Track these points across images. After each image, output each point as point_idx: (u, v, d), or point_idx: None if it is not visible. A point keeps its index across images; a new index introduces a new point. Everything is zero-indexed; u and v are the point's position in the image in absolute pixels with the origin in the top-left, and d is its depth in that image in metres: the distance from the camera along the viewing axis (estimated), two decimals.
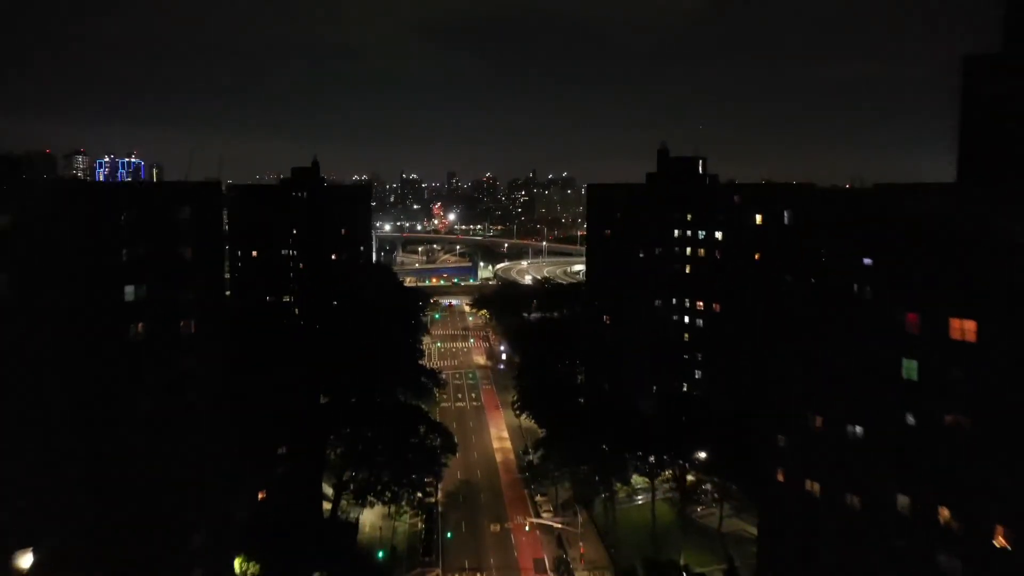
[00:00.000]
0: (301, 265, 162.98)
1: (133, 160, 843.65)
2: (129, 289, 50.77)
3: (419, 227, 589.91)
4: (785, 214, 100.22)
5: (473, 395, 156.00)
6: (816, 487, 58.57)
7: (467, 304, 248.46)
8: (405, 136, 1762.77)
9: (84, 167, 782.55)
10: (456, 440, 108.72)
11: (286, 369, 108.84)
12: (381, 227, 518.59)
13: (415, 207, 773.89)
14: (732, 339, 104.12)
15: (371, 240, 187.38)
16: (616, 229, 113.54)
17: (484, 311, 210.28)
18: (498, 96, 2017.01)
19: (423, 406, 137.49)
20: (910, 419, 51.23)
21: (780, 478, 62.39)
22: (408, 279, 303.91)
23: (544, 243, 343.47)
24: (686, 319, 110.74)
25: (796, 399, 66.47)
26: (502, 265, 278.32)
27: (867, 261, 56.17)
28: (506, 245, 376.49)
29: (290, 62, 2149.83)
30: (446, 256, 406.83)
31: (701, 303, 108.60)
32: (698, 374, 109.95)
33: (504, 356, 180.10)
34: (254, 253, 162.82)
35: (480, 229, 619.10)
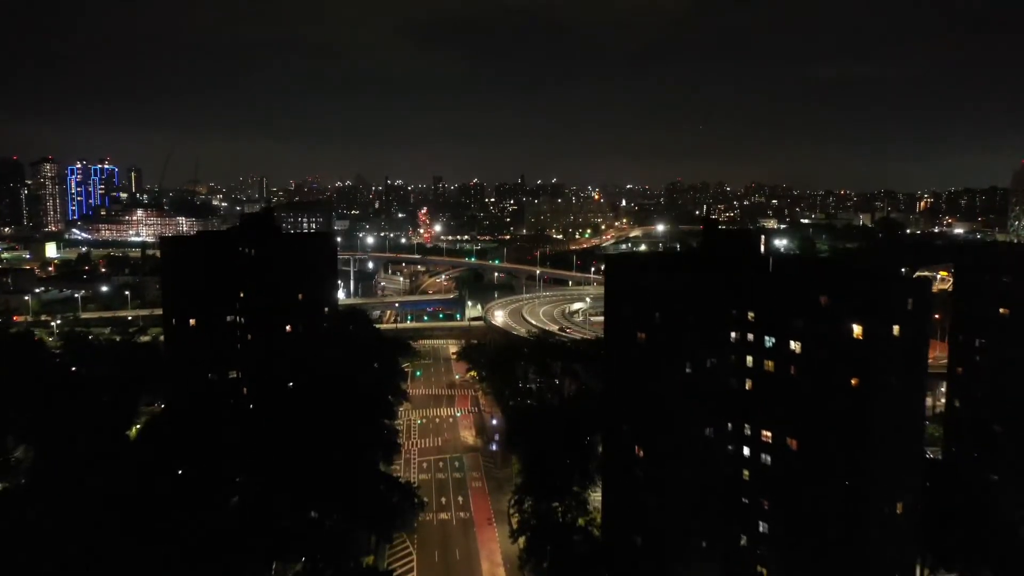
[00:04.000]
0: (250, 336, 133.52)
1: (106, 166, 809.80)
2: None
3: (403, 240, 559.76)
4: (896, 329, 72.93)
5: (460, 498, 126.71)
6: None
7: (453, 352, 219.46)
8: (391, 137, 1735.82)
9: (53, 175, 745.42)
10: None
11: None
12: (364, 239, 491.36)
13: (400, 215, 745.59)
14: (816, 488, 75.83)
15: (336, 301, 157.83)
16: (649, 327, 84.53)
17: (473, 372, 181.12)
18: (484, 97, 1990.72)
19: (398, 528, 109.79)
20: None
21: None
22: (388, 314, 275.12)
23: (538, 270, 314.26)
24: (746, 451, 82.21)
25: None
26: (492, 304, 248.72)
27: None
28: (496, 274, 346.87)
29: (274, 62, 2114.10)
30: (431, 280, 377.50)
31: (768, 433, 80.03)
32: (763, 527, 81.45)
33: (497, 435, 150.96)
34: (192, 321, 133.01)
35: (467, 240, 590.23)
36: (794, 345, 76.99)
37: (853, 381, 72.23)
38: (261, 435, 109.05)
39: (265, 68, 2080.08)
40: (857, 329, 71.64)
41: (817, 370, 75.12)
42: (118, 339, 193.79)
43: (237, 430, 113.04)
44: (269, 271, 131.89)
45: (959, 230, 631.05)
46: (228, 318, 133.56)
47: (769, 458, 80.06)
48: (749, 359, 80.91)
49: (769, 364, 79.28)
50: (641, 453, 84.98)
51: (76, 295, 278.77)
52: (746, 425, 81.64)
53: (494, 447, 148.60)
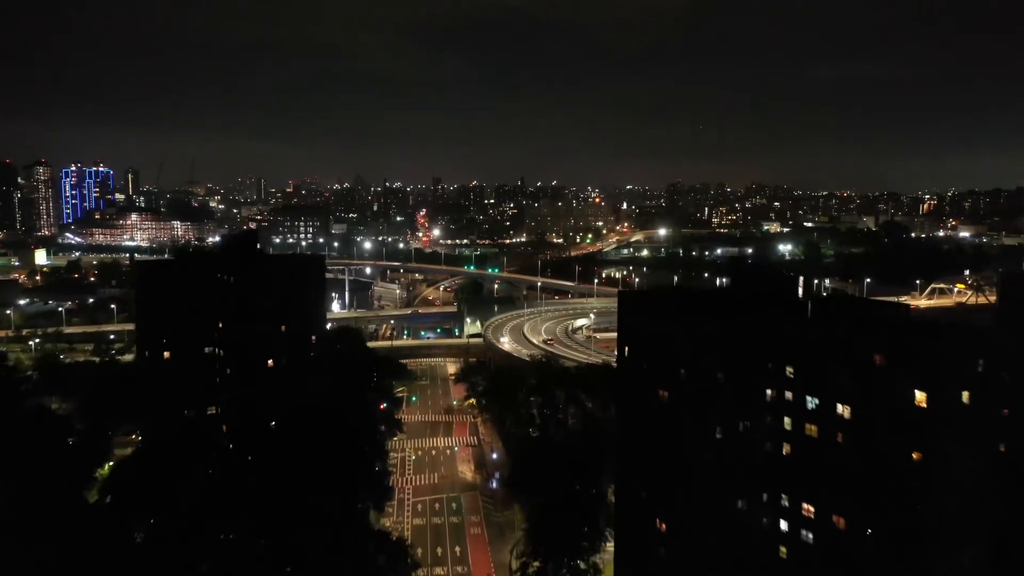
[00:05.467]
0: (230, 370, 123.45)
1: (101, 168, 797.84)
2: None
3: (401, 244, 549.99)
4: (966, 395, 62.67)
5: (457, 548, 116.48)
6: None
7: (452, 372, 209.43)
8: (390, 137, 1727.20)
9: (46, 178, 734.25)
10: None
11: None
12: (361, 243, 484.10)
13: (398, 218, 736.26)
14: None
15: (325, 324, 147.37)
16: (672, 383, 74.54)
17: (472, 400, 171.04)
18: (484, 97, 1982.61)
19: None
20: None
21: None
22: (384, 328, 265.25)
23: (539, 281, 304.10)
24: (783, 526, 72.10)
25: None
26: (492, 321, 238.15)
27: None
28: (496, 284, 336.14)
29: (274, 62, 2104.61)
30: (430, 289, 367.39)
31: (810, 508, 69.89)
32: None
33: (498, 472, 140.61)
34: (166, 354, 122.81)
35: (466, 244, 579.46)
36: (841, 408, 66.83)
37: (914, 455, 62.12)
38: (238, 487, 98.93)
39: (264, 68, 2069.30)
40: (920, 395, 61.50)
41: (870, 438, 64.93)
42: (98, 360, 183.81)
43: (214, 478, 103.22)
44: (251, 299, 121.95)
45: (965, 233, 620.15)
46: (207, 350, 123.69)
47: (811, 536, 69.91)
48: (787, 421, 70.76)
49: (811, 428, 69.10)
50: (663, 527, 74.82)
51: (60, 308, 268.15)
52: (784, 497, 71.51)
53: (494, 484, 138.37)
